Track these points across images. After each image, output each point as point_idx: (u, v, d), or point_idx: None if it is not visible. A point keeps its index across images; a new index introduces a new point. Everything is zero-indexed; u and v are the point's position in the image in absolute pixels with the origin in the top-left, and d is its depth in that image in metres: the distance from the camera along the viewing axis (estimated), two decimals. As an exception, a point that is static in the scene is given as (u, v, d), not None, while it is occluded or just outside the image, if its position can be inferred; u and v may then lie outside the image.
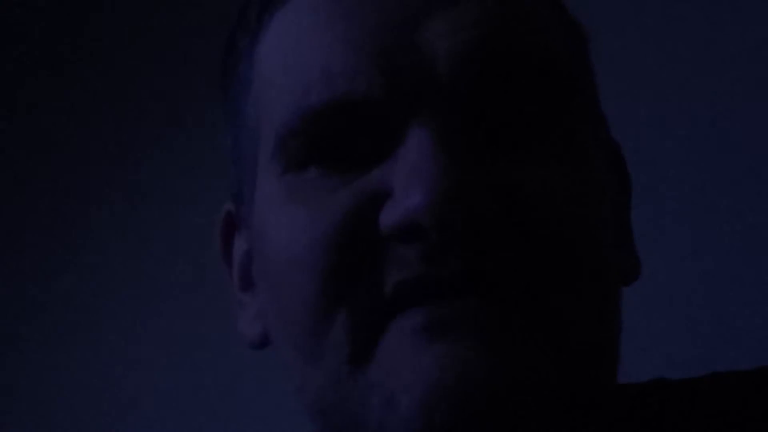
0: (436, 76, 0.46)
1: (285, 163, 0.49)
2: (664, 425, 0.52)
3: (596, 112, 0.53)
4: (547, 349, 0.44)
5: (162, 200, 1.30)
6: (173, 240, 1.28)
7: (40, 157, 1.37)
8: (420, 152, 0.44)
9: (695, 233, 0.95)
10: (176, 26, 1.33)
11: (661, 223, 0.93)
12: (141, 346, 1.27)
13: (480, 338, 0.43)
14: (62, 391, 1.29)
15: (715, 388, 0.54)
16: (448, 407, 0.43)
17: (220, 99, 0.58)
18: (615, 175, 0.54)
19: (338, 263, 0.46)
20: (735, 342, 0.90)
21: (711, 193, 0.95)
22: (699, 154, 0.96)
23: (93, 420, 1.27)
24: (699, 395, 0.53)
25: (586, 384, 0.46)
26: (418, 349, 0.44)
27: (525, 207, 0.45)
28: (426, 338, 0.44)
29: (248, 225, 0.54)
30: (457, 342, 0.43)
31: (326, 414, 0.47)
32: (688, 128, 0.97)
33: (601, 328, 0.47)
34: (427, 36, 0.47)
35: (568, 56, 0.50)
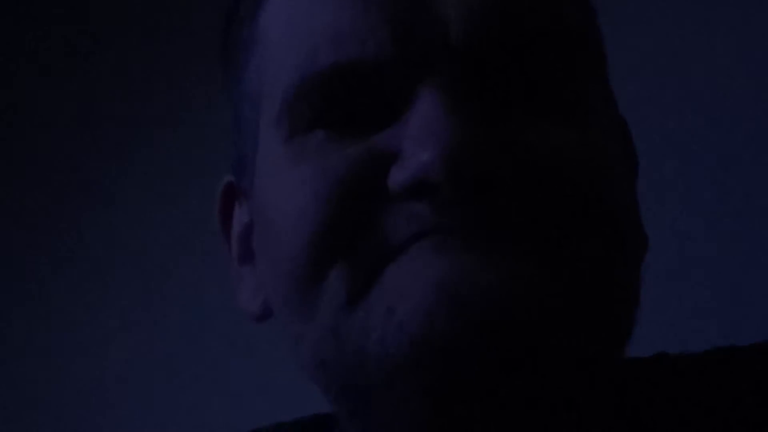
0: (447, 39, 0.46)
1: (290, 126, 0.48)
2: (666, 399, 0.52)
3: (606, 84, 0.53)
4: (556, 279, 0.44)
5: (162, 176, 1.29)
6: (174, 215, 1.27)
7: (40, 138, 1.37)
8: (431, 112, 0.44)
9: (696, 219, 0.95)
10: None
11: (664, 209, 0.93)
12: (141, 326, 1.27)
13: (485, 251, 0.43)
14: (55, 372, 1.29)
15: (716, 362, 0.54)
16: (448, 313, 0.42)
17: (218, 69, 0.58)
18: (623, 149, 0.54)
19: (340, 214, 0.45)
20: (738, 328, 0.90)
21: (714, 182, 0.95)
22: (704, 142, 0.96)
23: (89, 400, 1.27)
24: (700, 369, 0.54)
25: (591, 328, 0.45)
26: (423, 263, 0.43)
27: (537, 164, 0.45)
28: (430, 253, 0.43)
29: (250, 194, 0.54)
30: (462, 253, 0.43)
31: (326, 364, 0.47)
32: (694, 112, 0.97)
33: (614, 280, 0.46)
34: None
35: (580, 24, 0.50)
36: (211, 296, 1.19)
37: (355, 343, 0.45)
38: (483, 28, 0.46)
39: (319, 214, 0.46)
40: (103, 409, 1.26)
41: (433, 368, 0.43)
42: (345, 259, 0.45)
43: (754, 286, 0.92)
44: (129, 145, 1.32)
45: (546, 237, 0.44)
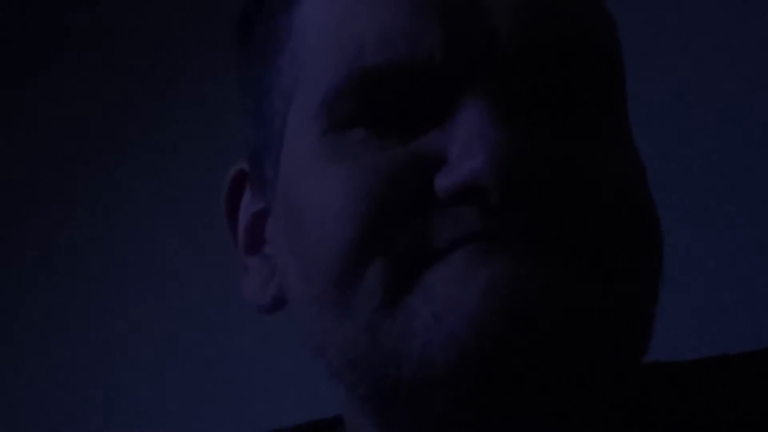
0: (497, 46, 0.46)
1: (329, 121, 0.48)
2: (658, 407, 0.53)
3: (626, 100, 0.54)
4: (603, 289, 0.45)
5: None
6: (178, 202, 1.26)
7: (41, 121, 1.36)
8: (480, 119, 0.45)
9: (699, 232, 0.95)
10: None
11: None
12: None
13: (533, 258, 0.44)
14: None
15: (709, 371, 0.55)
16: (501, 323, 0.42)
17: (234, 56, 0.57)
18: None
19: (382, 214, 0.45)
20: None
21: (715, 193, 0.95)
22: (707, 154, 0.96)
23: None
24: (692, 378, 0.55)
25: (631, 338, 0.47)
26: (470, 270, 0.44)
27: (582, 176, 0.46)
28: (478, 260, 0.44)
29: (269, 184, 0.53)
30: (509, 259, 0.43)
31: (358, 364, 0.46)
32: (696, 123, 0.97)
33: (650, 298, 0.48)
34: (489, 4, 0.47)
35: (614, 43, 0.51)
36: (214, 294, 1.18)
37: (393, 347, 0.45)
38: (531, 38, 0.46)
39: (360, 212, 0.45)
40: (102, 408, 1.25)
41: (482, 377, 0.43)
42: (384, 258, 0.45)
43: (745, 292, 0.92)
44: (131, 136, 1.31)
45: (591, 247, 0.45)
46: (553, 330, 0.43)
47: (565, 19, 0.48)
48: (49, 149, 1.32)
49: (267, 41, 0.54)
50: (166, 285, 1.24)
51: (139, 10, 1.31)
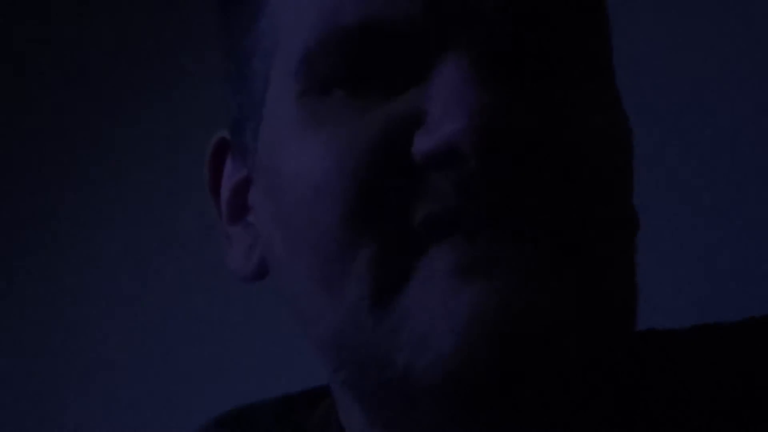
0: (478, 4, 0.45)
1: (307, 83, 0.47)
2: (654, 374, 0.53)
3: (612, 62, 0.53)
4: (581, 291, 0.44)
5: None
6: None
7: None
8: (459, 78, 0.43)
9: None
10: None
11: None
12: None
13: (517, 276, 0.43)
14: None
15: (704, 338, 0.55)
16: (489, 344, 0.42)
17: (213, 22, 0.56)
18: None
19: (367, 188, 0.44)
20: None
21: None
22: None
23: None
24: (688, 345, 0.54)
25: (612, 331, 0.46)
26: (454, 289, 0.43)
27: (565, 144, 0.45)
28: (461, 278, 0.43)
29: (251, 150, 0.52)
30: (494, 279, 0.42)
31: (344, 349, 0.46)
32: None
33: (630, 278, 0.47)
34: None
35: (602, 5, 0.50)
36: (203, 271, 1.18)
37: (378, 353, 0.44)
38: None
39: (345, 187, 0.44)
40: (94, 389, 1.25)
41: (468, 398, 0.43)
42: (374, 235, 0.44)
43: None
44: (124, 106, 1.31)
45: (567, 228, 0.44)
46: (539, 349, 0.42)
47: None
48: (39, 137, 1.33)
49: (247, 4, 0.52)
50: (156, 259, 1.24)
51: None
